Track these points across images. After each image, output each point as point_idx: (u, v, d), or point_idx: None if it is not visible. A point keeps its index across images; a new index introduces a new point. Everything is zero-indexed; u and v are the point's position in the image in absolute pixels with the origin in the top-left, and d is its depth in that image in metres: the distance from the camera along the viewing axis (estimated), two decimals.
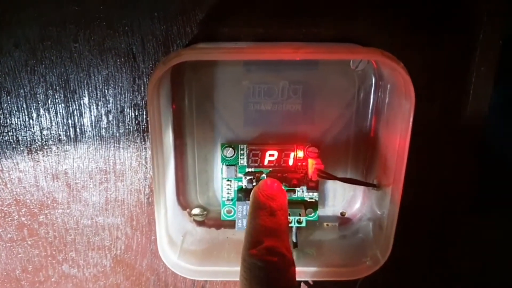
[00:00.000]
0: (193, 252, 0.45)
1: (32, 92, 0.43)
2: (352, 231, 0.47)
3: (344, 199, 0.48)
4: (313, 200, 0.46)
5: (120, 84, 0.43)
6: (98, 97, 0.44)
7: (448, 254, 0.51)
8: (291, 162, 0.44)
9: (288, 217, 0.42)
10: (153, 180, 0.39)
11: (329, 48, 0.37)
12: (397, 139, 0.38)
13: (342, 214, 0.49)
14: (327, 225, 0.48)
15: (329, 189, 0.48)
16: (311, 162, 0.43)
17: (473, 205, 0.48)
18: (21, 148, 0.45)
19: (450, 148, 0.45)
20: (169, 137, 0.43)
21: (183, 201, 0.48)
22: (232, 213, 0.46)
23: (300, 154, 0.44)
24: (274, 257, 0.34)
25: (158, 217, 0.41)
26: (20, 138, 0.45)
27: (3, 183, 0.47)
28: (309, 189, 0.45)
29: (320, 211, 0.48)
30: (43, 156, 0.46)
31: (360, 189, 0.47)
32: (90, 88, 0.43)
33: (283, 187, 0.41)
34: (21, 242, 0.50)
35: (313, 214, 0.46)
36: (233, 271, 0.42)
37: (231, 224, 0.46)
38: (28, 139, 0.45)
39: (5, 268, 0.51)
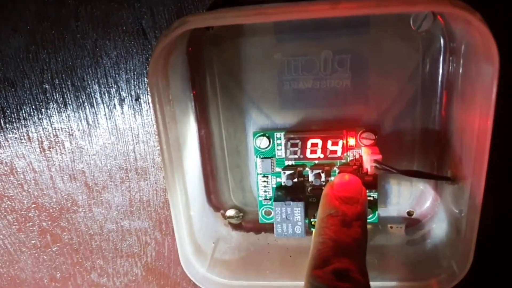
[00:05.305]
0: (226, 262, 0.38)
1: (37, 82, 0.38)
2: (421, 235, 0.38)
3: (412, 196, 0.38)
4: (371, 199, 0.37)
5: (132, 67, 0.37)
6: (109, 83, 0.37)
7: None
8: (339, 153, 0.36)
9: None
10: (165, 178, 0.32)
11: (378, 1, 0.28)
12: (476, 119, 0.29)
13: (410, 214, 0.39)
14: (391, 227, 0.39)
15: (391, 184, 0.38)
16: (366, 152, 0.34)
17: None
18: (33, 146, 0.40)
19: None
20: (189, 126, 0.36)
21: (216, 202, 0.41)
22: (271, 215, 0.39)
23: (352, 142, 0.36)
24: (345, 283, 0.27)
25: (176, 221, 0.34)
26: (30, 135, 0.40)
27: (19, 185, 0.42)
28: (366, 185, 0.36)
29: (382, 211, 0.39)
30: (57, 154, 0.41)
31: (430, 183, 0.38)
32: (99, 74, 0.37)
33: (363, 186, 0.33)
34: (45, 249, 0.45)
35: (371, 215, 0.37)
36: (276, 286, 0.35)
37: (272, 227, 0.38)
38: (39, 135, 0.40)
39: (33, 276, 0.47)
